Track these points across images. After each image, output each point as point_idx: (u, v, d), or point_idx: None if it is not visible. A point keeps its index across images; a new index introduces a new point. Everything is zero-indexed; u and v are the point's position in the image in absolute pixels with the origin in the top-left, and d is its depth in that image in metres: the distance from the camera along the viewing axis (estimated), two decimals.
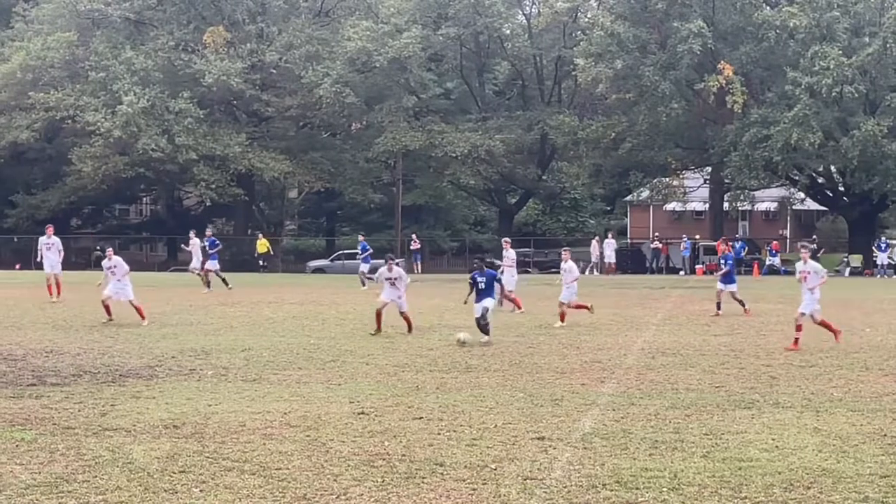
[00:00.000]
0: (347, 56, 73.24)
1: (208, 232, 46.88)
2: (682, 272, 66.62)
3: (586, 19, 76.59)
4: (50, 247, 36.47)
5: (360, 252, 50.33)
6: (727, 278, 32.16)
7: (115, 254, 28.82)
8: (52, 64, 75.54)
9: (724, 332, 26.45)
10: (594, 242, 68.03)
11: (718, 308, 31.43)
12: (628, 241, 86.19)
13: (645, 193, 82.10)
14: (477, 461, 11.88)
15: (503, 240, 38.76)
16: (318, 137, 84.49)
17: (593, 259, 66.33)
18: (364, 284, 45.20)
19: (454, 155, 73.98)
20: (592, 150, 75.24)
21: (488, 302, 24.38)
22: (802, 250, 24.21)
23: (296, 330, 26.55)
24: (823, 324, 23.42)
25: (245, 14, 78.17)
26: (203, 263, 43.02)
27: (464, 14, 75.27)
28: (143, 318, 27.40)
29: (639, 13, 69.48)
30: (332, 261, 76.80)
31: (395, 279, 25.42)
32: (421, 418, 14.57)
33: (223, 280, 41.88)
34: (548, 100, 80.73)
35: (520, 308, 31.80)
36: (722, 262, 34.05)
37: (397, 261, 26.16)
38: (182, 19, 78.81)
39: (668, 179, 77.70)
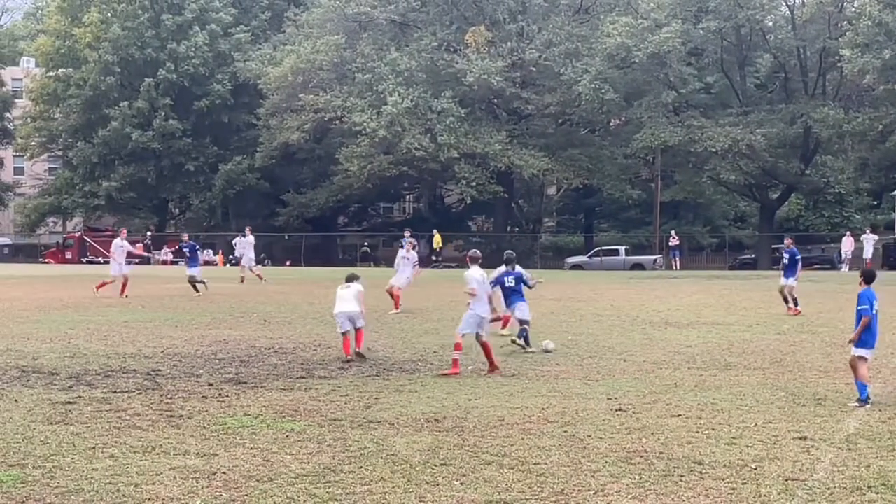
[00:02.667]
0: (607, 52, 73.09)
1: (185, 237, 45.91)
2: None
3: (853, 9, 74.12)
4: (245, 246, 40.67)
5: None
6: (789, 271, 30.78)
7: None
8: (320, 66, 78.15)
9: None
10: (845, 239, 65.85)
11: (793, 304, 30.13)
12: (895, 237, 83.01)
13: None
14: (736, 460, 11.78)
15: (408, 239, 38.63)
16: (577, 134, 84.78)
17: (844, 254, 64.34)
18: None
19: (714, 150, 72.93)
20: (858, 143, 73.12)
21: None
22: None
23: (553, 326, 26.63)
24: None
25: (506, 13, 79.04)
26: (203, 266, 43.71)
27: (725, 7, 74.10)
28: None
29: None
30: (590, 257, 76.96)
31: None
32: (679, 416, 14.51)
33: (195, 287, 38.04)
34: (812, 92, 78.47)
35: (396, 308, 30.89)
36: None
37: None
38: (445, 20, 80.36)
39: None
